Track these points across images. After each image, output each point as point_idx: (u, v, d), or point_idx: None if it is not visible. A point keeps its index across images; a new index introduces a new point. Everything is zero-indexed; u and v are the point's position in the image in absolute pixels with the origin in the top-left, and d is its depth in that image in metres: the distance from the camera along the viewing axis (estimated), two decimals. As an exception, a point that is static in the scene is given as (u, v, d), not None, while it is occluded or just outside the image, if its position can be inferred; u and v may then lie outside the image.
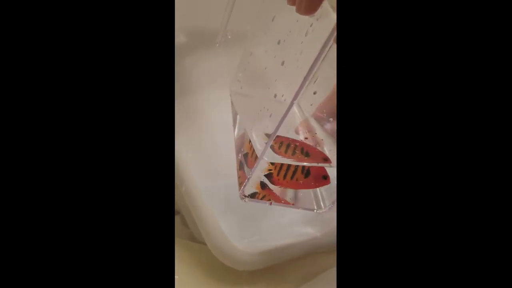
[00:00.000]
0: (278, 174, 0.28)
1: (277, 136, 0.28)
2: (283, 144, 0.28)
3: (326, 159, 0.28)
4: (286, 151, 0.28)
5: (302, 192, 0.31)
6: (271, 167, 0.28)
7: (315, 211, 0.31)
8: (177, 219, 0.46)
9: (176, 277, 0.34)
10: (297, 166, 0.28)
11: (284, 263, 0.37)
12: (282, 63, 0.27)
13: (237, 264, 0.35)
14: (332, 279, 0.35)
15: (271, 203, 0.30)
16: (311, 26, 0.25)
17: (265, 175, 0.29)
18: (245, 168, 0.30)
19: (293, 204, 0.31)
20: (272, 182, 0.29)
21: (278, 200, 0.30)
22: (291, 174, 0.28)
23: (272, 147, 0.28)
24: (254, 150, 0.28)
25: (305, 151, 0.28)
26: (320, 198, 0.32)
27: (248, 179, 0.28)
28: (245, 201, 0.30)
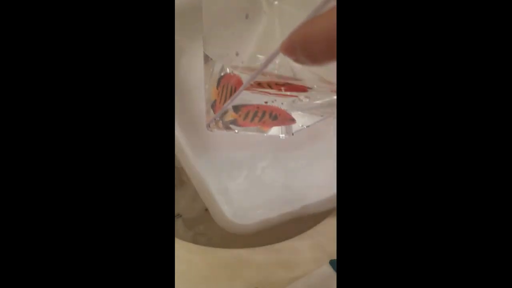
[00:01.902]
0: (245, 119, 0.29)
1: (243, 106, 0.28)
2: (249, 113, 0.28)
3: (292, 120, 0.30)
4: (252, 120, 0.28)
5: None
6: (235, 115, 0.29)
7: (281, 136, 0.33)
8: (178, 222, 0.47)
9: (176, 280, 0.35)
10: (265, 112, 0.28)
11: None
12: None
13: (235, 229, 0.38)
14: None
15: (237, 131, 0.31)
16: None
17: (229, 121, 0.30)
18: (211, 114, 0.30)
19: (263, 130, 0.32)
20: (238, 125, 0.30)
21: (246, 125, 0.30)
22: (259, 118, 0.29)
23: (235, 121, 0.29)
24: (222, 96, 0.28)
25: (274, 114, 0.29)
26: (287, 127, 0.33)
27: (219, 113, 0.29)
28: (211, 131, 0.31)
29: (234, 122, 0.29)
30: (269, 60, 0.20)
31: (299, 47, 0.17)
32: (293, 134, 0.33)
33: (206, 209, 0.50)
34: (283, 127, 0.33)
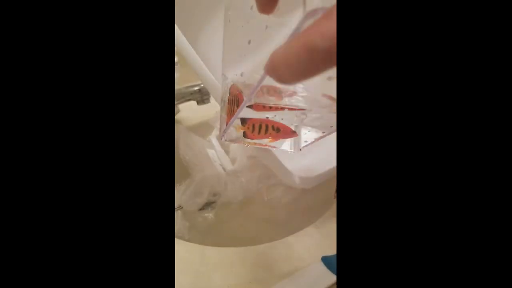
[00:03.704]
0: (252, 132, 0.32)
1: (248, 119, 0.31)
2: (254, 126, 0.31)
3: (293, 132, 0.32)
4: (259, 133, 0.31)
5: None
6: (243, 128, 0.32)
7: (289, 151, 0.35)
8: (177, 213, 0.49)
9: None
10: (267, 125, 0.31)
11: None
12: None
13: None
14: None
15: (247, 145, 0.34)
16: None
17: (240, 134, 0.32)
18: (224, 126, 0.33)
19: (271, 147, 0.34)
20: (247, 137, 0.33)
21: (254, 137, 0.33)
22: (264, 131, 0.32)
23: (245, 134, 0.31)
24: (230, 109, 0.31)
25: (276, 127, 0.31)
26: (295, 141, 0.36)
27: (228, 126, 0.31)
28: (223, 140, 0.34)
29: (244, 134, 0.32)
30: (259, 82, 0.23)
31: (281, 65, 0.18)
32: (300, 149, 0.35)
33: (202, 206, 0.53)
34: (292, 143, 0.35)
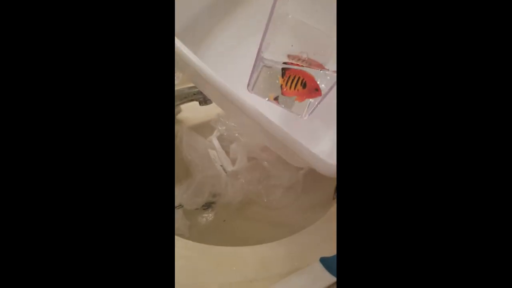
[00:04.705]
0: (286, 85, 0.37)
1: (287, 70, 0.36)
2: (289, 79, 0.36)
3: (317, 90, 0.37)
4: (290, 87, 0.36)
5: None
6: (281, 81, 0.37)
7: (300, 116, 0.40)
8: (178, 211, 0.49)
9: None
10: (298, 79, 0.37)
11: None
12: None
13: None
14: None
15: (267, 99, 0.39)
16: None
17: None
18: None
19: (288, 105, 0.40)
20: (282, 93, 0.38)
21: (287, 94, 0.38)
22: (294, 86, 0.37)
23: (281, 87, 0.37)
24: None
25: (304, 82, 0.36)
26: (307, 109, 0.40)
27: (252, 74, 0.37)
28: (251, 92, 0.39)
29: (281, 88, 0.38)
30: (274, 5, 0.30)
31: None
32: (309, 114, 0.40)
33: (204, 205, 0.53)
34: (305, 108, 0.39)
